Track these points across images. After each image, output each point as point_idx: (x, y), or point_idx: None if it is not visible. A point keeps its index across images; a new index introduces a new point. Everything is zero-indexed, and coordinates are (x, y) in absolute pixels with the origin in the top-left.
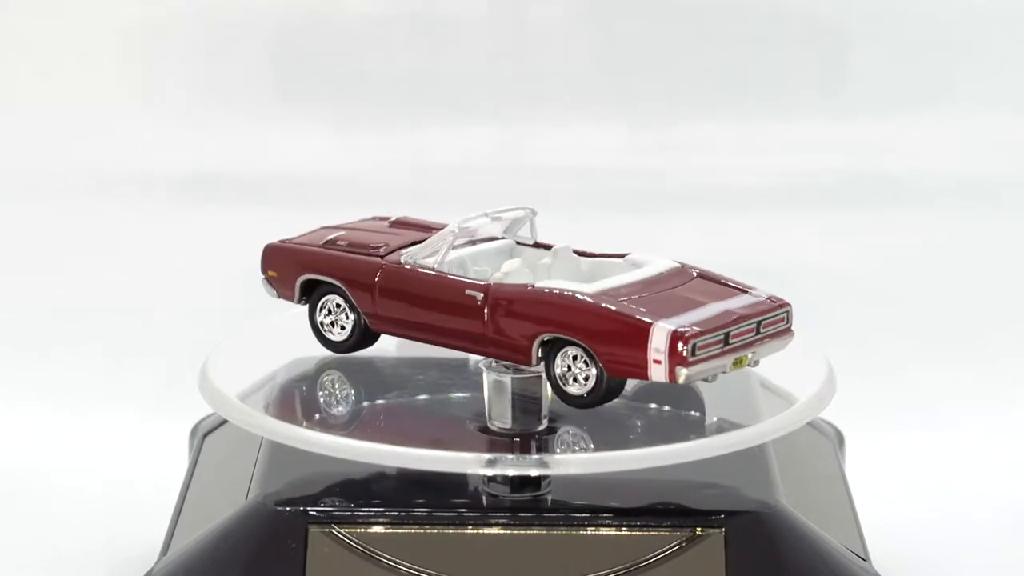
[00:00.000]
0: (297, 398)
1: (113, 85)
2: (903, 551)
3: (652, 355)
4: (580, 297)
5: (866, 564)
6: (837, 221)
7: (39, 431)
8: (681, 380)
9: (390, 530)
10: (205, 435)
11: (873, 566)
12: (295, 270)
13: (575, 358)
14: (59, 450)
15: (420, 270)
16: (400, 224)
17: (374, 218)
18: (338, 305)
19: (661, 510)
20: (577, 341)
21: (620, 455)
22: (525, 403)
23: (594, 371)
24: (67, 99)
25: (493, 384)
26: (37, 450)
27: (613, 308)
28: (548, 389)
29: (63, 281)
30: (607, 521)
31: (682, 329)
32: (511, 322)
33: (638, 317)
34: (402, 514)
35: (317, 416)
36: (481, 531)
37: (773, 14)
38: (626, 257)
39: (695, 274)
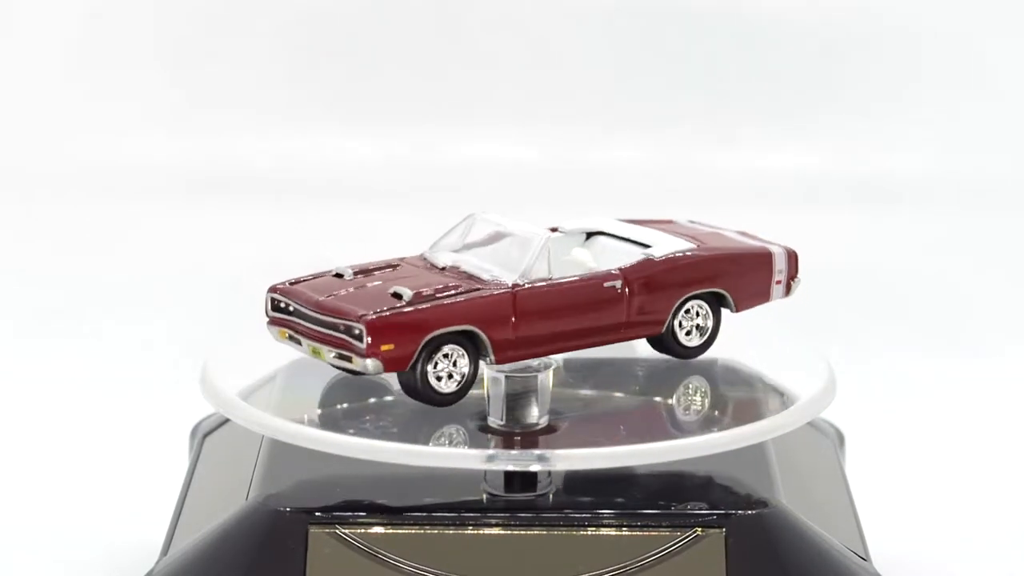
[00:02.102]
0: (298, 397)
1: (113, 85)
2: (903, 551)
3: (776, 276)
4: (719, 249)
5: (866, 564)
6: (837, 221)
7: (39, 431)
8: (793, 293)
9: (390, 530)
10: (205, 435)
11: (873, 566)
12: (420, 333)
13: (687, 312)
14: (59, 450)
15: (554, 283)
16: (369, 269)
17: (296, 281)
18: (446, 355)
19: (661, 510)
20: (715, 290)
21: (620, 450)
22: (526, 400)
23: (710, 318)
24: (67, 99)
25: (493, 382)
26: (36, 450)
27: (744, 249)
28: (549, 386)
29: (63, 281)
30: (607, 521)
31: (788, 248)
32: (654, 296)
33: (760, 248)
34: (402, 514)
35: (319, 413)
36: (481, 531)
37: (773, 14)
38: (563, 227)
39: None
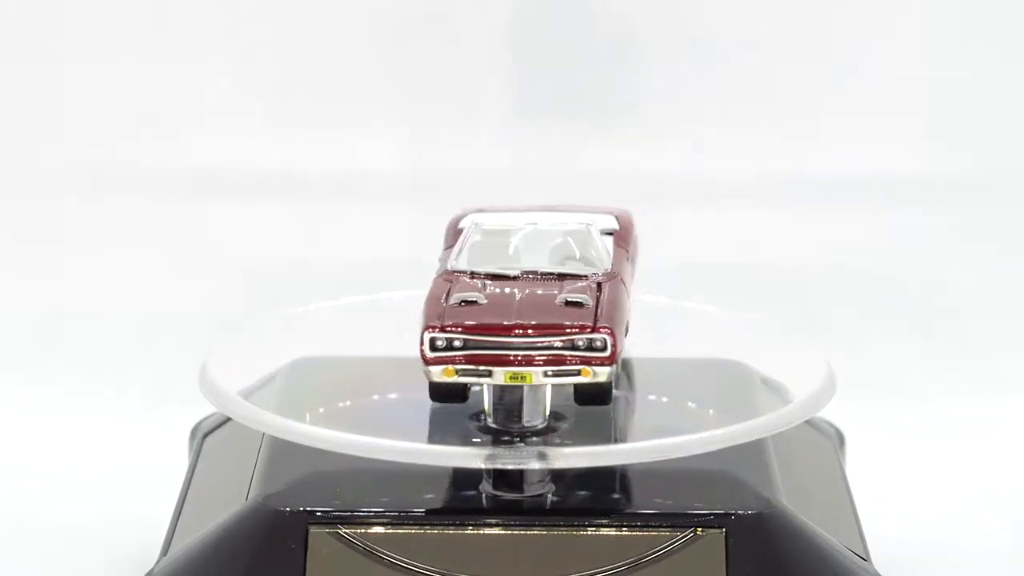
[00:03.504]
0: (298, 396)
1: (113, 85)
2: (903, 551)
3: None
4: (623, 216)
5: (866, 564)
6: (837, 221)
7: (39, 431)
8: None
9: (390, 530)
10: (205, 435)
11: (873, 566)
12: (622, 334)
13: None
14: (58, 450)
15: (622, 267)
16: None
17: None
18: None
19: (661, 510)
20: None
21: (619, 448)
22: (526, 400)
23: None
24: (67, 100)
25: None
26: (37, 450)
27: (624, 213)
28: (549, 387)
29: (63, 281)
30: (607, 521)
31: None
32: (633, 267)
33: (624, 212)
34: (402, 514)
35: (320, 411)
36: (481, 531)
37: (773, 13)
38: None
39: None
